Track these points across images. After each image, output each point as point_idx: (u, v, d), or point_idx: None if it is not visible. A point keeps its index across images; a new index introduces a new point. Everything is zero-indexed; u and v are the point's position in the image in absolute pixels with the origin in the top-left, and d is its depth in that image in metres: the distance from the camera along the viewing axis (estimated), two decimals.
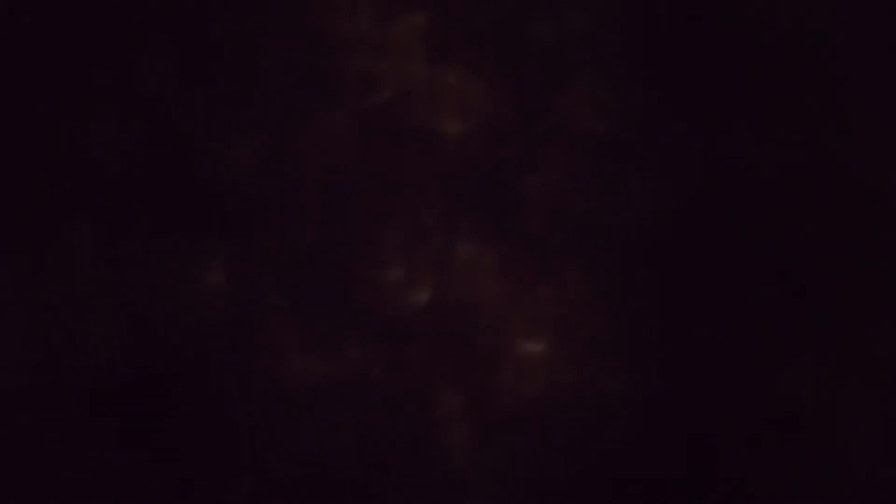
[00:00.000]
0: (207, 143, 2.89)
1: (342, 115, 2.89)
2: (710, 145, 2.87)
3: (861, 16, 2.89)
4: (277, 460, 2.85)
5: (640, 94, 2.88)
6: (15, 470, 2.85)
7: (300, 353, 2.85)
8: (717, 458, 2.82)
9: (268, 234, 2.88)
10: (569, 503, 2.84)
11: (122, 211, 2.88)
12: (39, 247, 2.87)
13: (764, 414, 2.83)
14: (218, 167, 2.88)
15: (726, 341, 2.84)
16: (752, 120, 2.88)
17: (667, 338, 2.84)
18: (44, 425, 2.85)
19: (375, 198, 2.88)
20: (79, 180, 2.88)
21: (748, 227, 2.86)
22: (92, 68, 2.90)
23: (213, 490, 2.85)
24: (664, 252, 2.86)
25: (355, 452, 2.85)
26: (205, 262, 2.87)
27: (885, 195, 2.86)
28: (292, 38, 2.90)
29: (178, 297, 2.86)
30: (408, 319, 2.86)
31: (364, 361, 2.85)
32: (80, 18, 2.91)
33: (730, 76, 2.88)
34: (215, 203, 2.88)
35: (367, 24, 2.90)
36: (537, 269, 2.86)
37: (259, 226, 2.88)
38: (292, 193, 2.88)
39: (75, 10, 2.90)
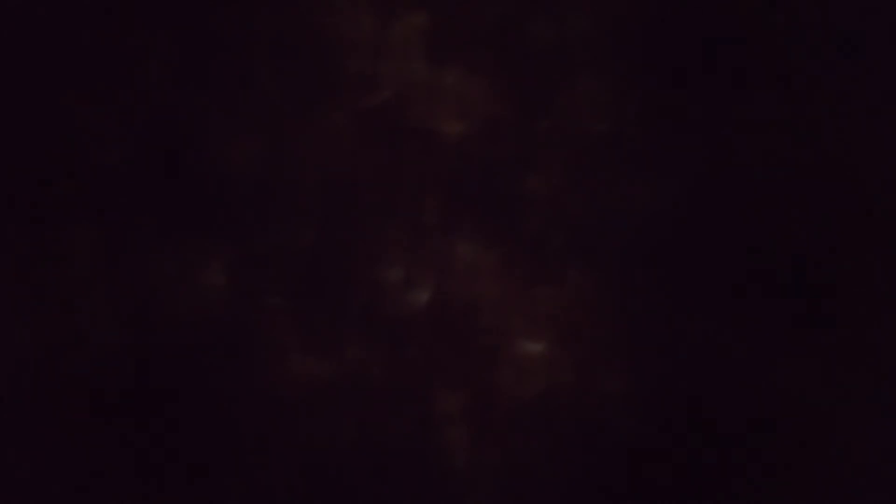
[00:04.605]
0: (207, 143, 2.89)
1: (342, 115, 2.89)
2: (710, 145, 2.87)
3: (860, 15, 2.89)
4: (277, 460, 2.85)
5: (640, 94, 2.88)
6: (15, 469, 2.85)
7: (300, 353, 2.85)
8: (717, 457, 2.83)
9: (268, 234, 2.88)
10: (568, 503, 2.84)
11: (122, 211, 2.88)
12: (40, 246, 2.87)
13: (764, 413, 2.83)
14: (218, 167, 2.88)
15: (726, 341, 2.84)
16: (752, 120, 2.88)
17: (667, 337, 2.84)
18: (43, 425, 2.85)
19: (375, 198, 2.88)
20: (79, 180, 2.89)
21: (747, 227, 2.86)
22: (92, 69, 2.90)
23: (213, 489, 2.85)
24: (664, 252, 2.86)
25: (355, 452, 2.85)
26: (205, 262, 2.87)
27: (885, 194, 2.86)
28: (292, 38, 2.90)
29: (178, 297, 2.86)
30: (408, 319, 2.86)
31: (364, 361, 2.86)
32: (81, 19, 2.91)
33: (729, 76, 2.88)
34: (215, 203, 2.88)
35: (367, 24, 2.90)
36: (537, 269, 2.87)
37: (259, 226, 2.88)
38: (292, 193, 2.88)
39: (75, 10, 2.91)
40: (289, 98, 2.89)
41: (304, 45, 2.90)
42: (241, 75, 2.90)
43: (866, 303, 2.84)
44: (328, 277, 2.87)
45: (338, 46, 2.90)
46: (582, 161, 2.88)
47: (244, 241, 2.87)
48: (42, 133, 2.89)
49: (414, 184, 2.88)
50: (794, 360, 2.83)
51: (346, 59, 2.90)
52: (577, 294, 2.86)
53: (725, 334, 2.84)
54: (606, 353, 2.84)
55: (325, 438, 2.85)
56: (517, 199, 2.87)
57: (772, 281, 2.85)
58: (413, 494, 2.84)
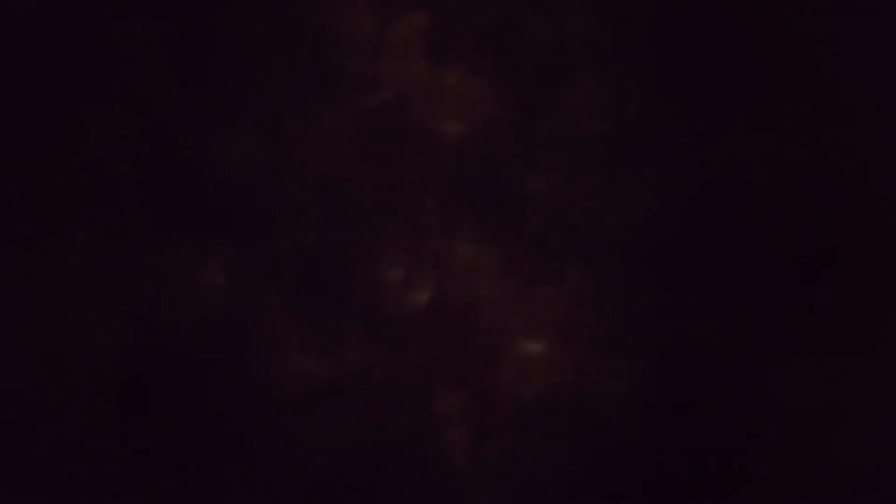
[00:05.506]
0: (207, 143, 2.89)
1: (342, 115, 2.89)
2: (710, 145, 2.87)
3: (860, 16, 2.89)
4: (277, 460, 2.85)
5: (640, 94, 2.88)
6: (15, 469, 2.85)
7: (300, 353, 2.85)
8: (717, 458, 2.83)
9: (268, 234, 2.88)
10: (568, 503, 2.84)
11: (122, 211, 2.88)
12: (39, 247, 2.87)
13: (764, 414, 2.83)
14: (218, 167, 2.88)
15: (726, 341, 2.84)
16: (752, 120, 2.88)
17: (667, 338, 2.84)
18: (44, 425, 2.85)
19: (375, 198, 2.88)
20: (79, 180, 2.89)
21: (747, 227, 2.86)
22: (92, 69, 2.90)
23: (213, 489, 2.85)
24: (664, 252, 2.86)
25: (355, 452, 2.85)
26: (205, 262, 2.87)
27: (886, 195, 2.86)
28: (292, 38, 2.90)
29: (177, 297, 2.86)
30: (408, 319, 2.86)
31: (364, 361, 2.86)
32: (81, 19, 2.91)
33: (729, 76, 2.88)
34: (215, 203, 2.88)
35: (367, 24, 2.90)
36: (537, 269, 2.87)
37: (259, 226, 2.88)
38: (292, 193, 2.88)
39: (75, 11, 2.90)
40: (289, 98, 2.89)
41: (304, 45, 2.90)
42: (241, 75, 2.90)
43: (866, 303, 2.84)
44: (328, 277, 2.87)
45: (338, 46, 2.90)
46: (582, 161, 2.88)
47: (244, 241, 2.87)
48: (42, 133, 2.89)
49: (414, 184, 2.88)
50: (794, 360, 2.83)
51: (346, 59, 2.90)
52: (577, 294, 2.86)
53: (725, 334, 2.84)
54: (606, 353, 2.84)
55: (325, 438, 2.85)
56: (517, 199, 2.87)
57: (772, 281, 2.85)
58: (413, 494, 2.84)
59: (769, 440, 2.82)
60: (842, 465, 2.82)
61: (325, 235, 2.88)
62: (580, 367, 2.84)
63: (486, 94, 2.89)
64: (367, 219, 2.88)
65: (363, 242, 2.87)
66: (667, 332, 2.84)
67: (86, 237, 2.87)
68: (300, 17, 2.91)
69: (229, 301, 2.86)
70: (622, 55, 2.89)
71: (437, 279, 2.86)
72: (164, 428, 2.84)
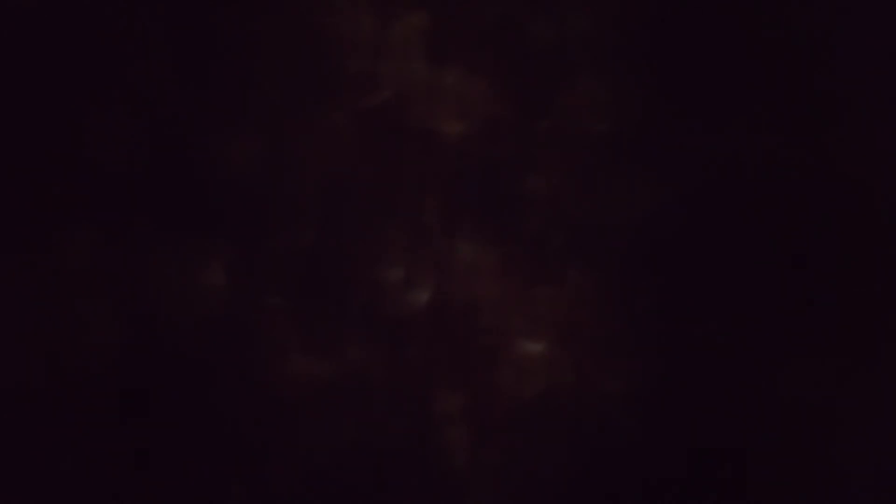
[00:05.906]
0: (207, 143, 2.89)
1: (342, 115, 2.89)
2: (710, 145, 2.87)
3: (860, 16, 2.89)
4: (277, 460, 2.85)
5: (641, 94, 2.88)
6: (15, 469, 2.85)
7: (300, 353, 2.85)
8: (717, 458, 2.82)
9: (268, 234, 2.88)
10: (568, 503, 2.84)
11: (122, 211, 2.88)
12: (39, 247, 2.87)
13: (764, 414, 2.83)
14: (218, 167, 2.88)
15: (726, 342, 2.84)
16: (752, 120, 2.88)
17: (667, 338, 2.84)
18: (44, 425, 2.85)
19: (375, 198, 2.88)
20: (79, 180, 2.88)
21: (747, 227, 2.86)
22: (93, 69, 2.90)
23: (213, 489, 2.85)
24: (664, 252, 2.86)
25: (355, 452, 2.85)
26: (205, 262, 2.87)
27: (886, 195, 2.86)
28: (292, 38, 2.90)
29: (177, 296, 2.86)
30: (408, 319, 2.86)
31: (364, 361, 2.86)
32: (81, 19, 2.91)
33: (729, 76, 2.88)
34: (215, 203, 2.88)
35: (367, 24, 2.90)
36: (537, 269, 2.87)
37: (259, 226, 2.88)
38: (292, 193, 2.88)
39: (75, 11, 2.90)
40: (289, 98, 2.89)
41: (304, 45, 2.90)
42: (241, 75, 2.90)
43: (866, 303, 2.84)
44: (328, 277, 2.87)
45: (338, 46, 2.90)
46: (582, 161, 2.88)
47: (244, 241, 2.87)
48: (42, 133, 2.89)
49: (414, 184, 2.88)
50: (794, 360, 2.83)
51: (346, 59, 2.90)
52: (577, 294, 2.86)
53: (725, 334, 2.84)
54: (606, 353, 2.84)
55: (325, 438, 2.85)
56: (517, 199, 2.87)
57: (772, 281, 2.85)
58: (413, 494, 2.84)
59: (769, 440, 2.82)
60: (842, 465, 2.82)
61: (325, 235, 2.88)
62: (580, 367, 2.84)
63: (486, 94, 2.89)
64: (367, 219, 2.88)
65: (363, 242, 2.87)
66: (667, 332, 2.84)
67: (86, 237, 2.87)
68: (300, 17, 2.90)
69: (229, 301, 2.86)
70: (622, 55, 2.89)
71: (437, 279, 2.86)
72: (164, 428, 2.84)
